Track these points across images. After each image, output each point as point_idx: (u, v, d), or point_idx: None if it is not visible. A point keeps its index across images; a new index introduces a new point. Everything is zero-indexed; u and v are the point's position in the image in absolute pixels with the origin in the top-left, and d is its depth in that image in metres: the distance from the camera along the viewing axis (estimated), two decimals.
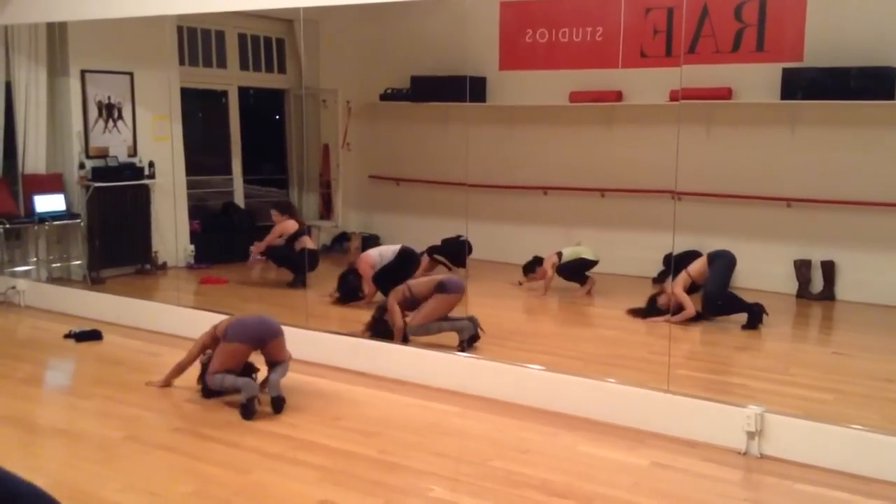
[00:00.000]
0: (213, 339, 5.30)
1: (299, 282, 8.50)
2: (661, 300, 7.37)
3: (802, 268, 8.32)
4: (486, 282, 8.73)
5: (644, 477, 4.22)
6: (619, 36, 9.28)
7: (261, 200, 11.36)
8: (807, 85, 8.07)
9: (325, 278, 8.48)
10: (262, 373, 5.24)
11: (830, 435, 4.37)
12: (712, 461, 4.40)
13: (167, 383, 5.53)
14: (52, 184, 8.61)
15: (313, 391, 5.33)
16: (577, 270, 8.49)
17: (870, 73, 7.77)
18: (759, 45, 8.51)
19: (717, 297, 7.15)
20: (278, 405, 5.02)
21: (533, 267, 8.62)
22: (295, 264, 8.59)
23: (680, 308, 7.17)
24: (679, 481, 4.18)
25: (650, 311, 7.37)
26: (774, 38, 8.43)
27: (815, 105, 8.14)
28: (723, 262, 7.36)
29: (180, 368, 5.50)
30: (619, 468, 4.33)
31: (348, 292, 7.95)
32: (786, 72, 8.20)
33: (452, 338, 6.26)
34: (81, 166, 8.72)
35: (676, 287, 7.28)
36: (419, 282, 6.56)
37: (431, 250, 8.89)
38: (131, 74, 9.11)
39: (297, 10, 7.59)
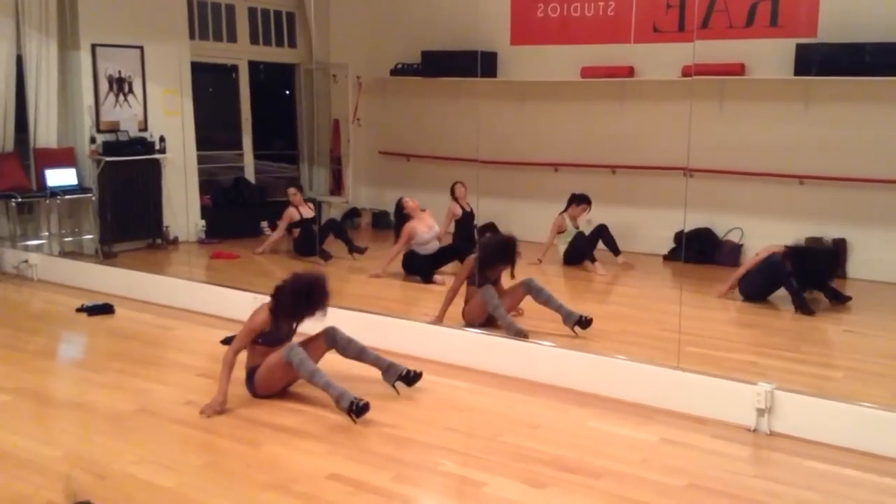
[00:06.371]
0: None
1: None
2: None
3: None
4: None
5: (653, 453, 4.23)
6: (631, 10, 9.20)
7: (271, 176, 11.37)
8: (821, 61, 8.00)
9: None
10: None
11: (840, 412, 4.36)
12: (722, 438, 4.41)
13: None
14: (63, 158, 8.63)
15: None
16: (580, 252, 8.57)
17: (885, 48, 7.68)
18: (772, 20, 8.43)
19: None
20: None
21: None
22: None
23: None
24: (688, 458, 4.19)
25: None
26: (788, 14, 8.34)
27: (829, 81, 8.06)
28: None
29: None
30: (629, 444, 4.35)
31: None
32: (799, 47, 8.13)
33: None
34: (92, 140, 8.74)
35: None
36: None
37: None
38: (141, 48, 9.09)
39: None
